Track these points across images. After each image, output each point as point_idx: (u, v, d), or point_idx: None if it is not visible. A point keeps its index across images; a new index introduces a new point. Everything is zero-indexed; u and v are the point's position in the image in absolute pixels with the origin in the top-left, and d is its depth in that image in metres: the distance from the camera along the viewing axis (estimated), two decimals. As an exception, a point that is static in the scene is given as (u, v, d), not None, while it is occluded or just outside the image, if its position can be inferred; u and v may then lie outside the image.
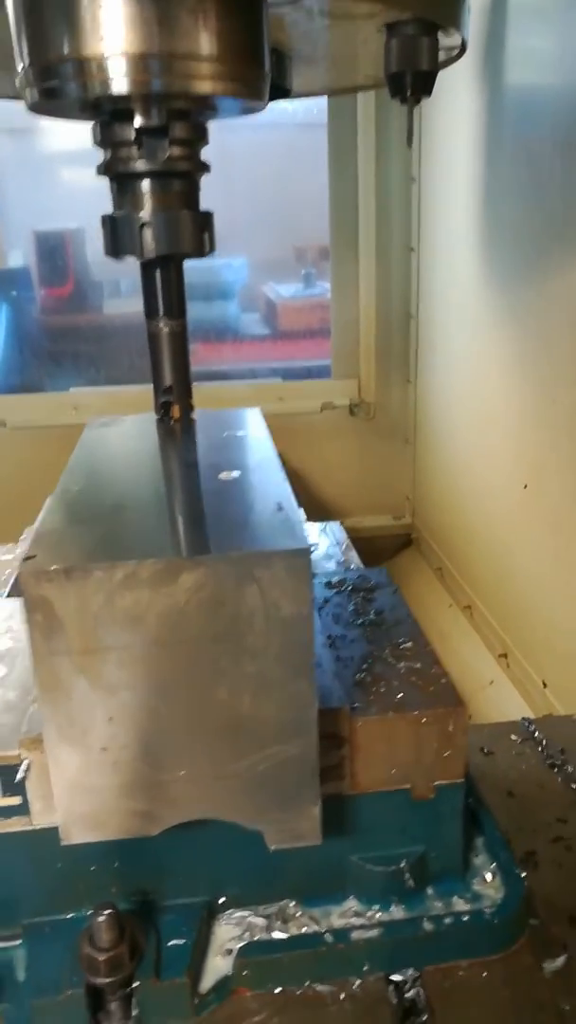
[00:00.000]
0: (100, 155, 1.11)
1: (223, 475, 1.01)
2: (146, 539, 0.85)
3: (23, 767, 0.86)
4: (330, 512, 3.34)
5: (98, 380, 3.42)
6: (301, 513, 0.90)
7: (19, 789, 0.88)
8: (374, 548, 3.32)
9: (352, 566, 1.54)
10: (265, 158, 3.18)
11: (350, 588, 1.22)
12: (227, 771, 0.84)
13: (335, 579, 1.24)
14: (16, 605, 1.20)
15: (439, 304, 2.85)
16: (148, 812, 0.85)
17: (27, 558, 0.79)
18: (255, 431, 1.20)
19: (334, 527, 1.77)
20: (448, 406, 2.82)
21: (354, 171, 2.96)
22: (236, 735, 0.83)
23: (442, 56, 1.19)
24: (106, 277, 3.66)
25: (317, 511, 3.27)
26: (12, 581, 1.44)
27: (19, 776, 0.86)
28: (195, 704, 0.82)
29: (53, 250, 3.48)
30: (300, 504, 2.44)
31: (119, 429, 1.24)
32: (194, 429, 1.19)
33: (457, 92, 2.36)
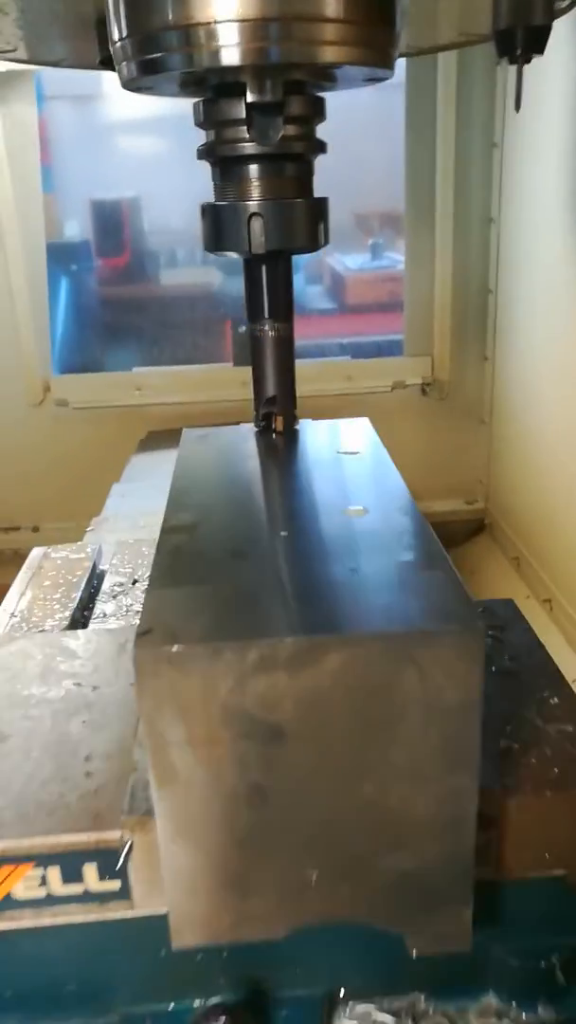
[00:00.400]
0: (202, 136, 0.98)
1: (350, 511, 0.88)
2: (280, 605, 0.73)
3: (125, 849, 0.75)
4: (399, 495, 3.22)
5: (160, 359, 3.31)
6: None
7: (120, 872, 0.77)
8: (444, 534, 3.15)
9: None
10: (331, 119, 3.02)
11: None
12: (368, 871, 0.73)
13: None
14: (89, 638, 1.11)
15: (521, 279, 2.68)
16: (274, 915, 0.74)
17: (142, 632, 0.68)
18: (369, 448, 1.07)
19: None
20: (530, 385, 2.66)
21: (432, 136, 2.79)
22: (381, 832, 0.72)
23: (553, 6, 1.05)
24: (162, 247, 3.55)
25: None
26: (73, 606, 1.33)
27: (120, 861, 0.76)
28: (335, 799, 0.71)
29: (109, 219, 3.37)
30: None
31: (218, 444, 1.12)
32: (299, 445, 1.06)
33: (548, 47, 2.17)
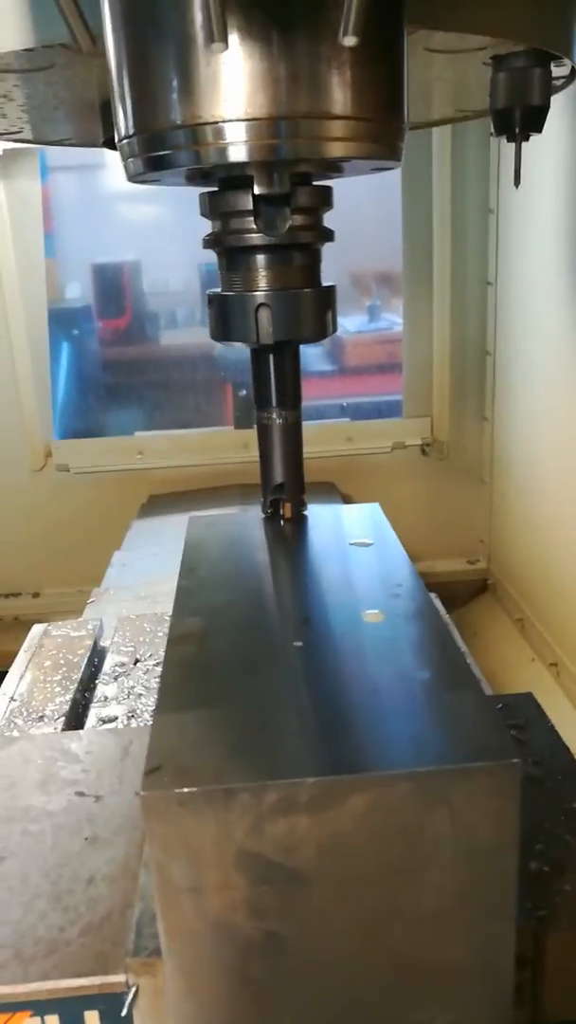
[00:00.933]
0: (208, 226, 0.97)
1: (366, 615, 0.84)
2: (298, 735, 0.69)
3: (131, 995, 0.70)
4: (400, 556, 3.19)
5: (162, 422, 3.30)
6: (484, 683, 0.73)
7: (125, 1020, 0.72)
8: (447, 594, 3.13)
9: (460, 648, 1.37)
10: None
11: None
12: None
13: None
14: (91, 739, 1.06)
15: (519, 340, 2.69)
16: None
17: (151, 770, 0.63)
18: (380, 537, 1.04)
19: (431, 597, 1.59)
20: (529, 445, 2.65)
21: (428, 202, 2.82)
22: (409, 983, 0.67)
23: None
24: (162, 308, 3.57)
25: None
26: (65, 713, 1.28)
27: (126, 1009, 0.70)
28: (359, 947, 0.66)
29: (111, 282, 3.39)
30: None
31: (225, 535, 1.08)
32: (308, 535, 1.03)
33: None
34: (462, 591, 3.22)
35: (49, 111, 1.23)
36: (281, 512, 1.06)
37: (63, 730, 1.20)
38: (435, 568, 3.22)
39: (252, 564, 1.03)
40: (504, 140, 1.11)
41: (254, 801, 0.62)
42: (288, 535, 1.05)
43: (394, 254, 2.95)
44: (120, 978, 0.71)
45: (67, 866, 0.82)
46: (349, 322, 3.50)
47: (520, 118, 1.07)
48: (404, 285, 2.98)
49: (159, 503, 2.88)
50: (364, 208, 3.12)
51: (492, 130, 1.12)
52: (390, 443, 3.08)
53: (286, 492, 1.05)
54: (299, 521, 1.07)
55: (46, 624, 1.58)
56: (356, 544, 1.03)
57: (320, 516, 1.10)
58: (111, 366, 3.45)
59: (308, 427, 3.15)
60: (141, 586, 2.00)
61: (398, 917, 0.65)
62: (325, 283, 1.01)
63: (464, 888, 0.64)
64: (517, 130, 1.09)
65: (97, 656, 1.50)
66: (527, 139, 1.13)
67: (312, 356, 3.53)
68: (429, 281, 2.91)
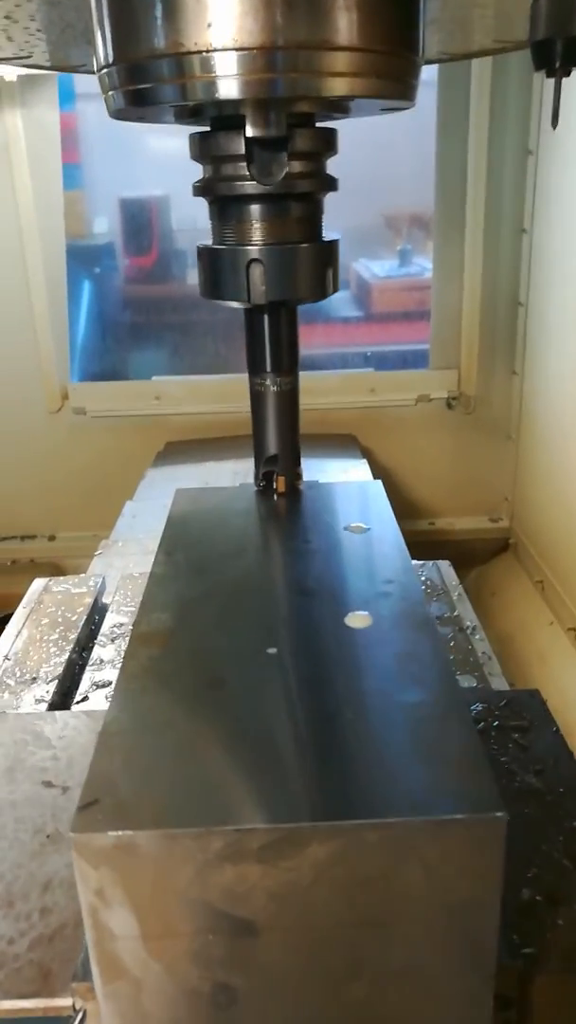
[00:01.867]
0: (199, 171, 0.88)
1: (353, 619, 0.77)
2: (255, 771, 0.61)
3: (77, 1020, 0.65)
4: (421, 512, 3.12)
5: (182, 366, 3.22)
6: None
7: (70, 1047, 0.67)
8: (467, 551, 3.09)
9: (468, 624, 1.30)
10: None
11: (495, 725, 0.95)
12: None
13: (476, 708, 0.97)
14: (66, 723, 1.00)
15: (554, 292, 2.57)
16: None
17: (85, 805, 0.57)
18: (379, 522, 0.97)
19: (444, 567, 1.52)
20: (560, 401, 2.55)
21: (464, 143, 2.67)
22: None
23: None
24: (190, 246, 3.46)
25: (407, 511, 3.05)
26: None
27: (71, 1035, 0.65)
28: (319, 1001, 0.60)
29: (138, 218, 3.30)
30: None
31: (210, 512, 1.01)
32: (302, 517, 0.96)
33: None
34: (483, 549, 3.16)
35: (57, 34, 1.14)
36: (275, 486, 0.99)
37: (55, 692, 1.16)
38: (456, 525, 3.15)
39: (235, 550, 0.94)
40: (547, 81, 1.01)
41: (199, 847, 0.56)
42: (280, 516, 0.97)
43: (430, 195, 2.81)
44: (66, 1002, 0.67)
45: (23, 867, 0.77)
46: (378, 266, 3.36)
47: (561, 50, 0.96)
48: (435, 229, 2.85)
49: (176, 450, 2.82)
50: (400, 144, 2.97)
51: (533, 65, 1.01)
52: (415, 395, 2.99)
53: (280, 465, 0.97)
54: (294, 496, 0.99)
55: (47, 579, 1.53)
56: (351, 529, 0.95)
57: (316, 494, 1.03)
58: (136, 306, 3.37)
59: (330, 376, 3.08)
60: (151, 539, 1.93)
61: (362, 973, 0.59)
62: (330, 236, 0.92)
63: (437, 945, 0.58)
64: (557, 64, 0.98)
65: (98, 614, 1.46)
66: (568, 74, 1.02)
67: (337, 301, 3.41)
68: (461, 226, 2.78)
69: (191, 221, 3.50)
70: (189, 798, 0.59)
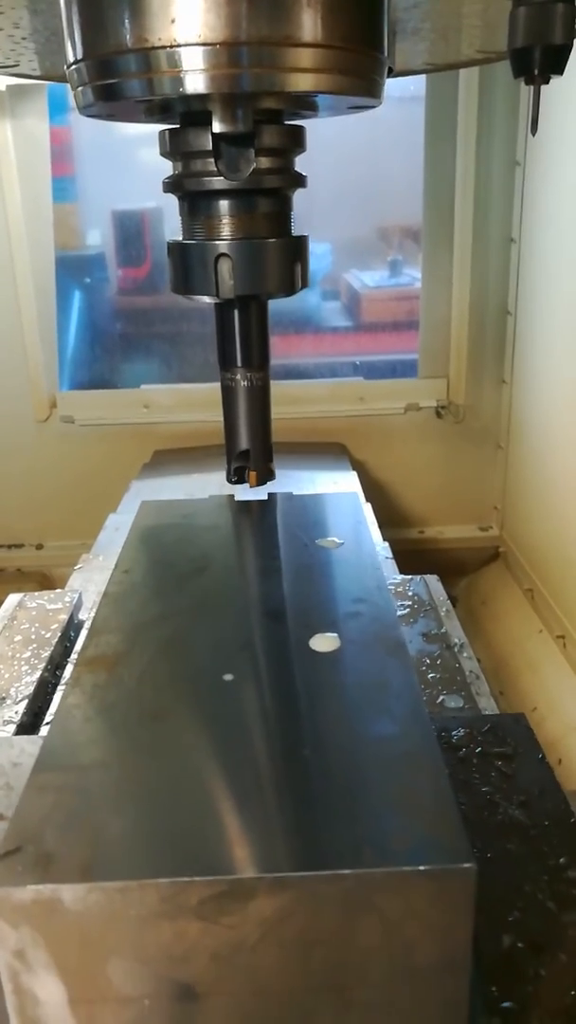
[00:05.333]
0: (168, 168, 0.89)
1: (319, 641, 0.73)
2: (196, 815, 0.56)
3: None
4: (410, 520, 3.13)
5: (169, 377, 3.23)
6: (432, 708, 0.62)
7: None
8: (457, 560, 3.10)
9: (455, 642, 1.30)
10: (351, 131, 2.94)
11: (478, 752, 0.89)
12: None
13: (458, 733, 0.91)
14: (23, 749, 0.95)
15: (542, 301, 2.58)
16: None
17: (7, 853, 0.52)
18: (354, 536, 0.94)
19: (432, 582, 1.51)
20: (549, 410, 2.56)
21: (452, 153, 2.70)
22: None
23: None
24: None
25: (397, 520, 3.05)
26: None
27: None
28: None
29: (130, 229, 3.32)
30: (376, 514, 2.16)
31: (175, 527, 0.98)
32: (273, 530, 0.94)
33: (572, 62, 2.07)
34: (473, 558, 3.17)
35: (43, 42, 1.15)
36: (246, 480, 0.99)
37: (25, 712, 1.15)
38: (445, 534, 3.16)
39: (197, 568, 0.91)
40: (528, 89, 1.01)
41: (131, 902, 0.51)
42: (249, 530, 0.95)
43: (420, 207, 2.83)
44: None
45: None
46: (368, 277, 3.38)
47: (540, 58, 0.97)
48: (423, 239, 2.87)
49: (163, 460, 2.83)
50: (392, 157, 2.99)
51: (512, 73, 1.02)
52: (404, 404, 3.00)
53: (251, 460, 0.97)
54: (266, 510, 0.97)
55: (21, 594, 1.52)
56: (325, 543, 0.93)
57: (289, 507, 1.01)
58: (127, 317, 3.38)
59: (319, 385, 3.10)
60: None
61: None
62: (300, 233, 0.93)
63: (401, 1011, 0.54)
64: (536, 71, 0.99)
65: (73, 631, 1.44)
66: (547, 82, 1.02)
67: (327, 311, 3.43)
68: (450, 236, 2.80)
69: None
70: (121, 847, 0.55)
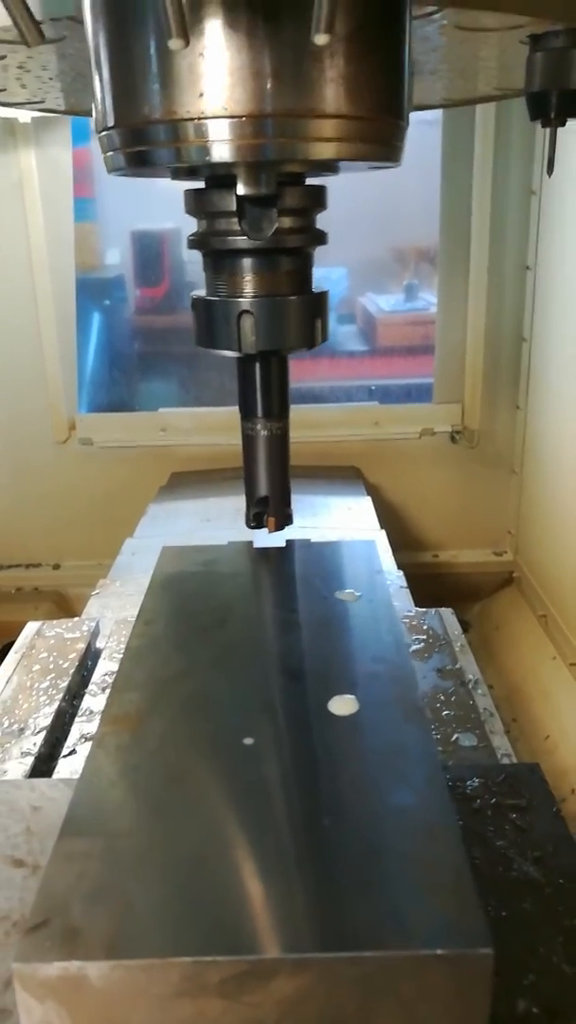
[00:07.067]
0: (193, 225, 0.92)
1: (337, 706, 0.74)
2: (215, 890, 0.56)
3: None
4: (424, 544, 3.14)
5: (186, 400, 3.26)
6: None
7: None
8: (470, 584, 3.11)
9: (470, 678, 1.30)
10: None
11: (492, 803, 0.88)
12: None
13: (472, 783, 0.90)
14: (43, 792, 0.95)
15: (557, 327, 2.60)
16: None
17: (34, 926, 0.53)
18: (372, 589, 0.95)
19: (446, 615, 1.52)
20: (563, 436, 2.58)
21: (468, 181, 2.72)
22: None
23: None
24: (200, 278, 3.53)
25: (411, 544, 3.07)
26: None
27: None
28: None
29: (149, 250, 3.36)
30: (390, 538, 2.16)
31: (195, 576, 0.99)
32: (291, 583, 0.94)
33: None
34: (487, 583, 3.17)
35: (69, 82, 1.19)
36: (265, 525, 1.01)
37: (43, 744, 1.16)
38: (460, 559, 3.17)
39: (218, 621, 0.91)
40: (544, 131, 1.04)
41: (154, 980, 0.52)
42: (268, 580, 0.97)
43: (436, 231, 2.85)
44: None
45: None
46: (384, 300, 3.41)
47: (556, 102, 0.99)
48: (440, 265, 2.89)
49: (179, 482, 2.85)
50: (409, 180, 3.02)
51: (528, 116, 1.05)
52: (419, 429, 3.02)
53: (270, 506, 0.99)
54: (284, 559, 0.97)
55: (40, 622, 1.54)
56: (344, 596, 0.94)
57: (307, 556, 1.02)
58: (145, 338, 3.42)
59: (334, 409, 3.12)
60: (148, 579, 1.96)
61: None
62: (319, 289, 0.95)
63: None
64: (553, 115, 1.01)
65: (91, 659, 1.45)
66: (563, 124, 1.05)
67: (342, 335, 3.45)
68: (466, 262, 2.82)
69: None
70: (145, 922, 0.55)
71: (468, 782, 0.92)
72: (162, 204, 3.29)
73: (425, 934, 0.53)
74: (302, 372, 3.30)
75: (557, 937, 0.73)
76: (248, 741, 0.72)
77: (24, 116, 2.54)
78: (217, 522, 2.37)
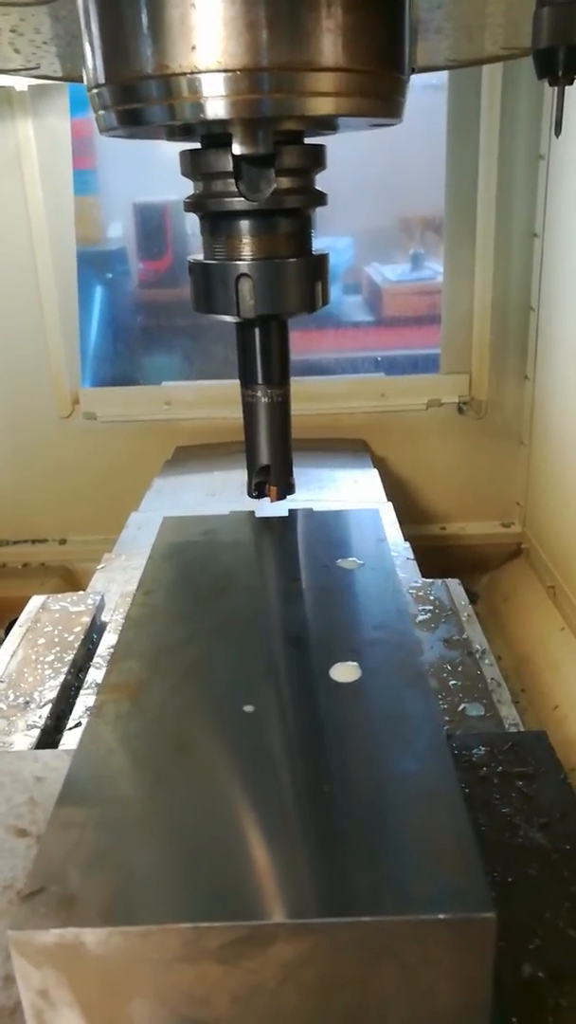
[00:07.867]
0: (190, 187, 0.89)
1: (339, 673, 0.73)
2: (216, 856, 0.56)
3: None
4: (432, 517, 3.12)
5: (190, 373, 3.24)
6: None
7: None
8: (479, 556, 3.09)
9: (477, 648, 1.29)
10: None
11: (499, 771, 0.88)
12: None
13: (478, 751, 0.89)
14: (47, 763, 0.95)
15: (565, 296, 2.56)
16: None
17: (30, 894, 0.53)
18: (375, 557, 0.94)
19: (453, 586, 1.50)
20: (572, 407, 2.55)
21: (475, 147, 2.67)
22: None
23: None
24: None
25: (418, 516, 3.05)
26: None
27: None
28: None
29: (152, 222, 3.32)
30: (398, 511, 2.14)
31: (196, 545, 0.98)
32: (293, 550, 0.93)
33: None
34: (495, 554, 3.15)
35: (64, 46, 1.16)
36: (267, 494, 0.99)
37: (48, 717, 1.16)
38: (467, 531, 3.15)
39: (218, 590, 0.90)
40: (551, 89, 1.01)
41: (152, 947, 0.51)
42: (269, 549, 0.95)
43: (442, 195, 2.81)
44: None
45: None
46: (390, 270, 3.36)
47: (564, 59, 0.96)
48: (446, 233, 2.85)
49: (185, 456, 2.84)
50: (415, 147, 2.97)
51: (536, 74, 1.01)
52: (425, 400, 2.99)
53: (272, 475, 0.98)
54: (287, 527, 0.96)
55: (45, 596, 1.53)
56: (346, 564, 0.92)
57: (310, 524, 1.01)
58: (148, 311, 3.39)
59: (340, 381, 3.09)
60: (152, 552, 1.96)
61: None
62: (320, 251, 0.93)
63: None
64: (560, 72, 0.98)
65: (96, 632, 1.45)
66: (571, 82, 1.02)
67: (348, 306, 3.41)
68: (472, 230, 2.78)
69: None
70: (143, 889, 0.55)
71: (474, 750, 0.91)
72: (164, 175, 3.25)
73: (427, 899, 0.52)
74: (307, 343, 3.27)
75: (563, 902, 0.72)
76: (249, 708, 0.71)
77: (20, 84, 2.50)
78: (222, 495, 2.35)
